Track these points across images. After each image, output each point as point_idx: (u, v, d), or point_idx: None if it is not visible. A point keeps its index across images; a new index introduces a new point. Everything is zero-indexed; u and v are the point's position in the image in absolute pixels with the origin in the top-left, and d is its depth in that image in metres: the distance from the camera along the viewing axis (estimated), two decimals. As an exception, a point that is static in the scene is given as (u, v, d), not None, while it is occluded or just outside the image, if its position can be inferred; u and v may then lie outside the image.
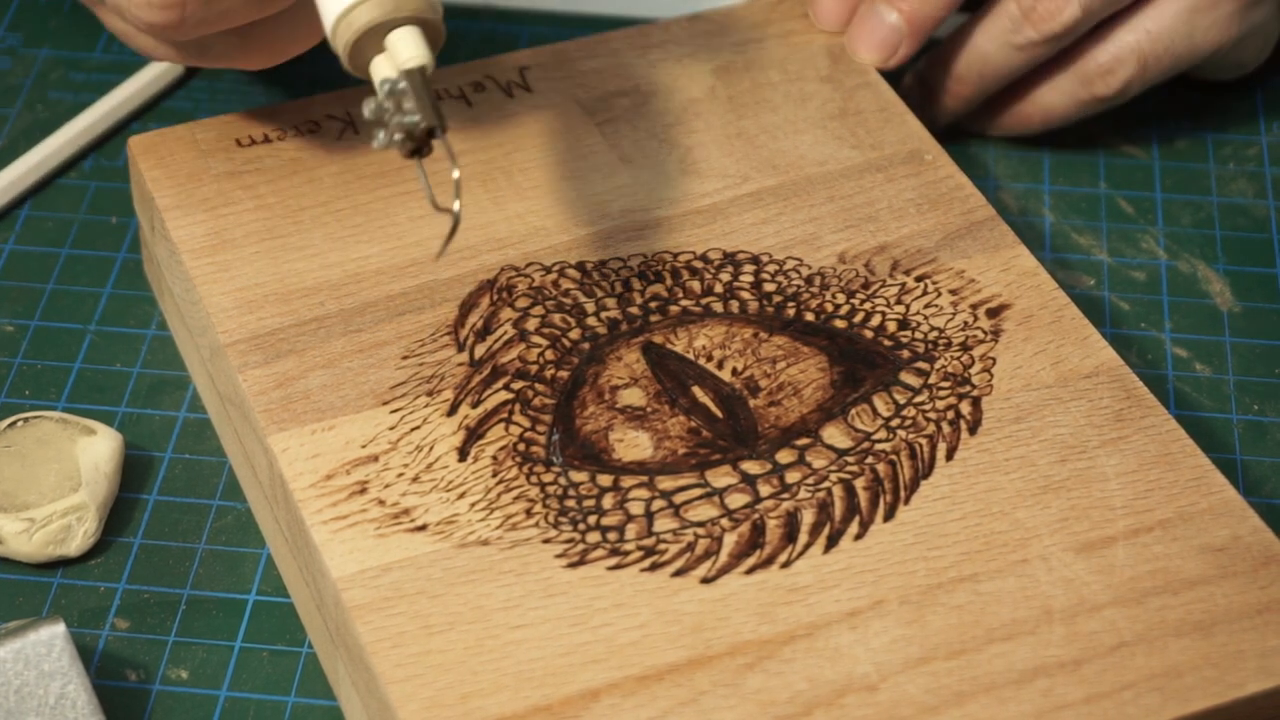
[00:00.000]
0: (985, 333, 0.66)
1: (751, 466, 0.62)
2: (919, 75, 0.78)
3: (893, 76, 0.76)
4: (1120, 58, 0.75)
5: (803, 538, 0.60)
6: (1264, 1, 0.76)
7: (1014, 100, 0.77)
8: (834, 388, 0.64)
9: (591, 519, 0.60)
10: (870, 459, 0.62)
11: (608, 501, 0.61)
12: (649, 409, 0.63)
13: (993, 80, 0.76)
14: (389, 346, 0.65)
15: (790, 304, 0.67)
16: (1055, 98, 0.76)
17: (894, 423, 0.63)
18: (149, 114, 0.81)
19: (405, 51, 0.58)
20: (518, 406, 0.63)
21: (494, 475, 0.61)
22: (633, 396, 0.64)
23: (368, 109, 0.58)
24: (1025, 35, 0.74)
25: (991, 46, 0.75)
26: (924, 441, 0.63)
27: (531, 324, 0.66)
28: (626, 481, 0.61)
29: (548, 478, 0.62)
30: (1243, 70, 0.80)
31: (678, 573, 0.59)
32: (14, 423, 0.66)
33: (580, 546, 0.60)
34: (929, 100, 0.77)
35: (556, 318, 0.66)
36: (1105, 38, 0.75)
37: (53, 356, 0.71)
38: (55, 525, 0.64)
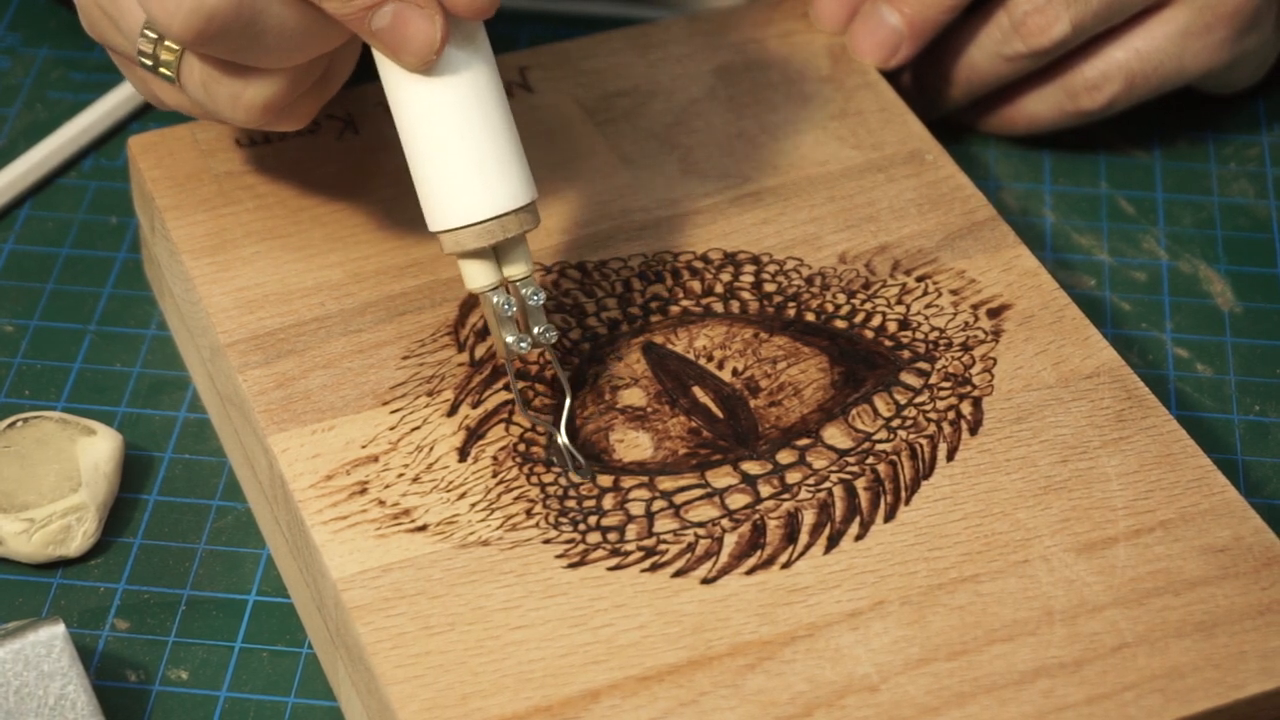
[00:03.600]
0: (986, 333, 0.66)
1: (752, 467, 0.62)
2: (912, 70, 0.78)
3: (891, 72, 0.76)
4: (1108, 74, 0.75)
5: (803, 538, 0.60)
6: (1257, 29, 0.76)
7: (1001, 104, 0.78)
8: (834, 388, 0.64)
9: (592, 519, 0.60)
10: (871, 459, 0.62)
11: (608, 502, 0.61)
12: (649, 409, 0.63)
13: (980, 86, 0.76)
14: (389, 347, 0.65)
15: (791, 304, 0.67)
16: (1041, 107, 0.77)
17: (895, 423, 0.63)
18: (149, 114, 0.81)
19: (522, 265, 0.61)
20: (518, 407, 0.63)
21: (494, 475, 0.61)
22: (633, 397, 0.64)
23: (508, 306, 0.61)
24: (1014, 48, 0.74)
25: (980, 55, 0.75)
26: (925, 442, 0.63)
27: (532, 324, 0.66)
28: (627, 482, 0.61)
29: (548, 478, 0.61)
30: (1233, 89, 0.80)
31: (678, 573, 0.59)
32: (14, 423, 0.66)
33: (581, 547, 0.60)
34: (919, 95, 0.77)
35: (557, 318, 0.66)
36: (1094, 53, 0.75)
37: (53, 356, 0.71)
38: (55, 525, 0.64)
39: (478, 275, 0.61)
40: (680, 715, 0.56)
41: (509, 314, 0.61)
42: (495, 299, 0.61)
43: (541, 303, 0.61)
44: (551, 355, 0.63)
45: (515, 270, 0.61)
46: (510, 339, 0.61)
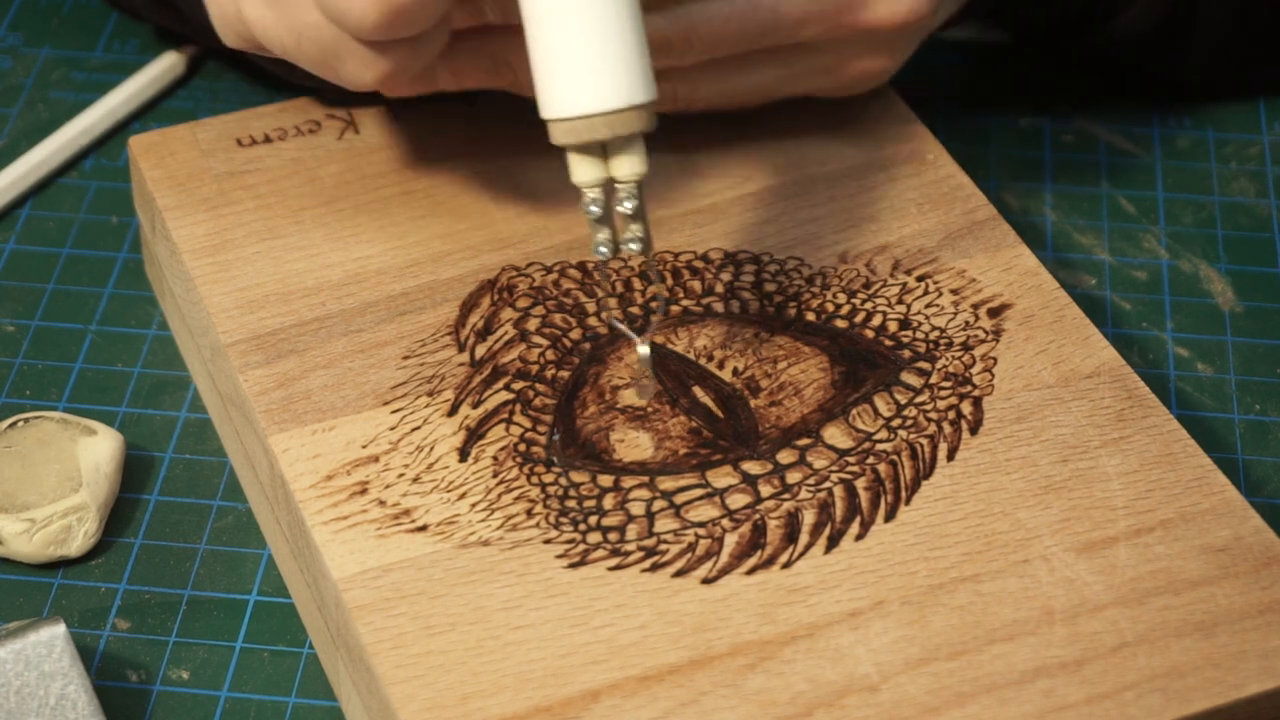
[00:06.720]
0: (986, 332, 0.66)
1: (752, 467, 0.62)
2: None
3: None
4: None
5: (804, 538, 0.60)
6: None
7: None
8: (835, 388, 0.64)
9: (592, 519, 0.60)
10: (871, 459, 0.62)
11: (608, 502, 0.61)
12: (650, 409, 0.63)
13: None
14: (390, 347, 0.65)
15: (791, 304, 0.67)
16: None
17: (895, 423, 0.63)
18: (150, 114, 0.81)
19: (629, 166, 0.60)
20: (518, 407, 0.63)
21: (495, 476, 0.61)
22: (634, 397, 0.64)
23: (596, 207, 0.60)
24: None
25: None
26: (925, 441, 0.63)
27: (532, 324, 0.66)
28: (627, 482, 0.61)
29: (548, 478, 0.61)
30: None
31: (679, 573, 0.59)
32: (15, 423, 0.66)
33: (581, 547, 0.60)
34: None
35: (557, 318, 0.66)
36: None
37: (54, 356, 0.71)
38: (56, 526, 0.64)
39: (581, 170, 0.60)
40: (681, 715, 0.56)
41: (594, 216, 0.60)
42: (586, 195, 0.60)
43: (630, 210, 0.60)
44: (648, 263, 0.63)
45: (621, 170, 0.60)
46: (597, 238, 0.60)
